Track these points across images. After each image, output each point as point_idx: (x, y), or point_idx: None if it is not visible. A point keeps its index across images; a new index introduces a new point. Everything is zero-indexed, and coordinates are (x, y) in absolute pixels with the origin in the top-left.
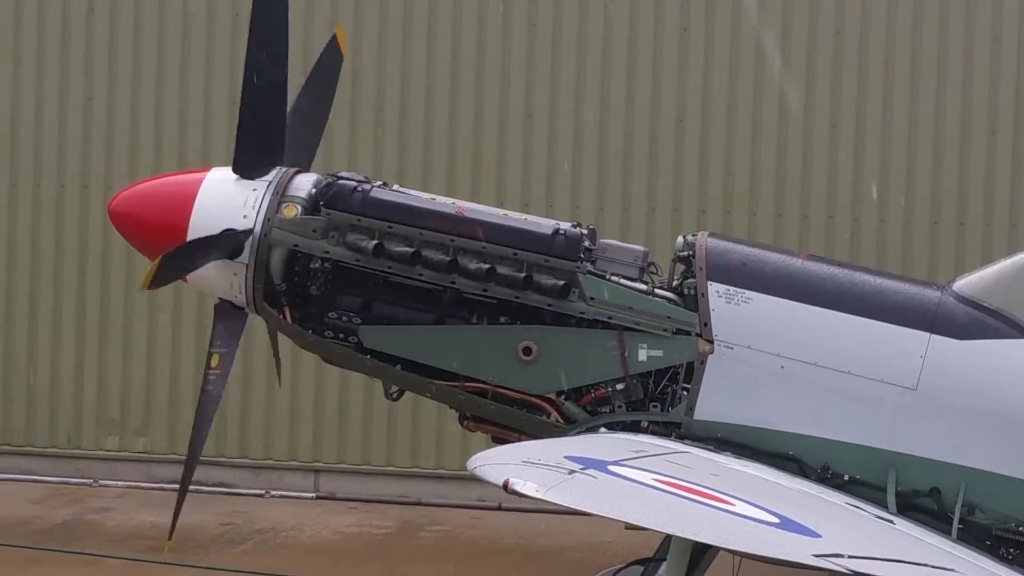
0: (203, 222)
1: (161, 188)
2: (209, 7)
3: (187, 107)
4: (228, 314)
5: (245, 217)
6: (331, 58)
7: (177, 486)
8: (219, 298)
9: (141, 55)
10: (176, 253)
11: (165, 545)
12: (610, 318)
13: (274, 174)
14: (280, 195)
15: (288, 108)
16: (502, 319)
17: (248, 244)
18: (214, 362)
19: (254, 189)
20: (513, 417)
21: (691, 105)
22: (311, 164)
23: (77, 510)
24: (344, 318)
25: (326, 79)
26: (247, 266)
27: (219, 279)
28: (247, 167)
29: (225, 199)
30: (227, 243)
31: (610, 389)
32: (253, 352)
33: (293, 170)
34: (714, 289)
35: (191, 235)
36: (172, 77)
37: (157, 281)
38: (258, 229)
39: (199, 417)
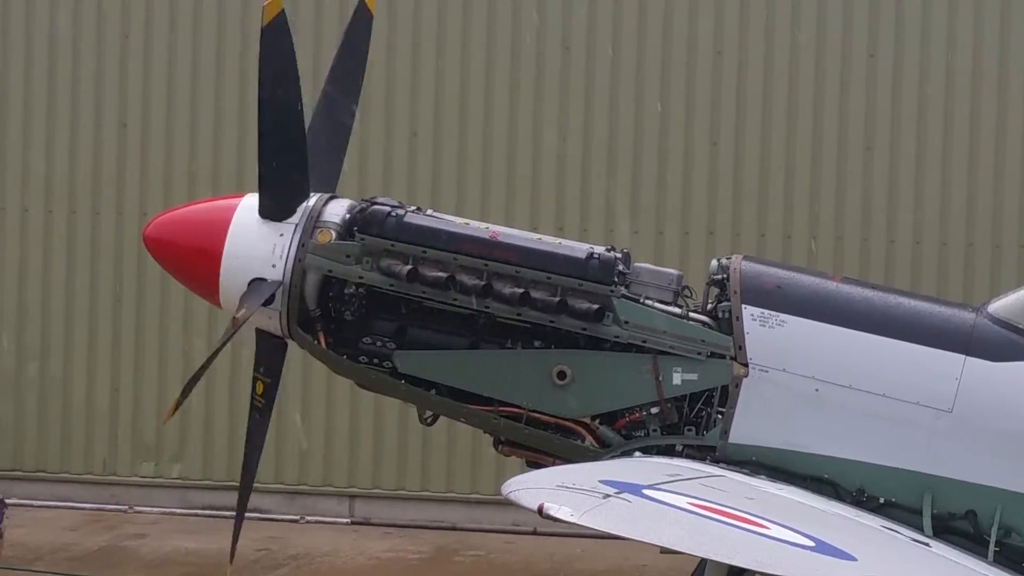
0: (236, 249)
1: (195, 215)
2: (244, 32)
3: (221, 133)
4: (268, 344)
5: (274, 267)
6: (361, 22)
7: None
8: (257, 329)
9: (175, 81)
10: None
11: (227, 569)
12: (644, 342)
13: (300, 214)
14: (312, 225)
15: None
16: (536, 343)
17: (279, 293)
18: (259, 389)
19: (281, 235)
20: (547, 441)
21: (724, 128)
22: (345, 150)
23: (113, 536)
24: (378, 343)
25: (357, 47)
26: (280, 313)
27: (257, 321)
28: (273, 210)
29: (254, 246)
30: (257, 297)
31: (645, 413)
32: (286, 377)
33: (327, 196)
34: (749, 312)
35: (225, 262)
36: (207, 103)
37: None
38: (287, 280)
39: (248, 451)
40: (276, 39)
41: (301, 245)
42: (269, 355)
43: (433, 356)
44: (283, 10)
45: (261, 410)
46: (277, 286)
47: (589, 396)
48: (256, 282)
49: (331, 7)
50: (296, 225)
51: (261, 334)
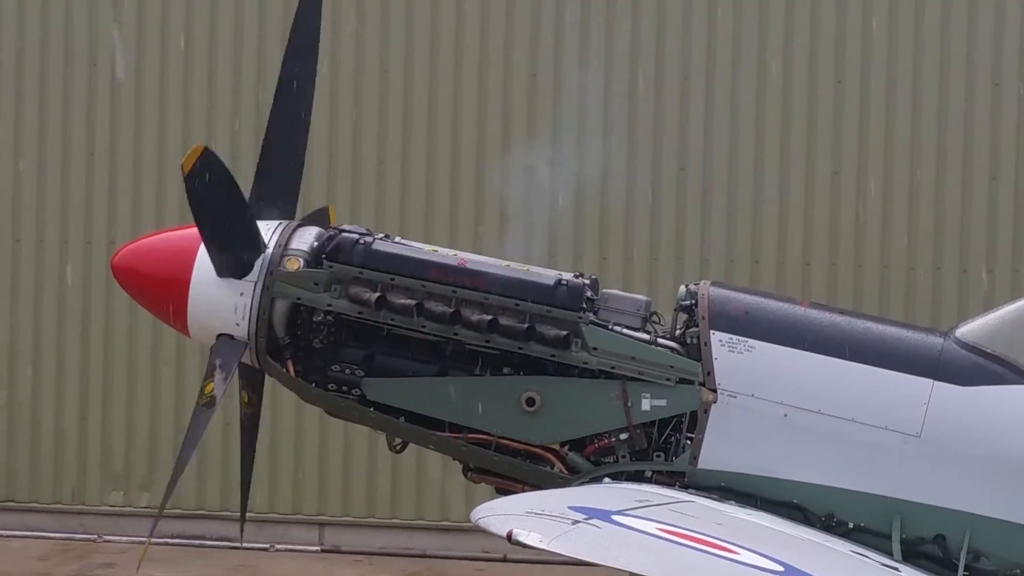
0: (204, 278)
1: (163, 243)
2: (211, 62)
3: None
4: (225, 346)
5: (238, 325)
6: (309, 17)
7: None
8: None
9: (143, 108)
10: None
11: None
12: (613, 368)
13: (257, 270)
14: (283, 247)
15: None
16: (505, 370)
17: (258, 264)
18: (208, 388)
19: (241, 293)
20: (517, 468)
21: (692, 153)
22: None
23: (82, 566)
24: (347, 371)
25: (307, 45)
26: (255, 285)
27: (224, 301)
28: (230, 270)
29: (216, 304)
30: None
31: (614, 439)
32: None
33: (296, 223)
34: (717, 338)
35: (193, 290)
36: (174, 131)
37: (194, 173)
38: (252, 333)
39: (193, 426)
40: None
41: (269, 272)
42: (225, 355)
43: (402, 384)
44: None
45: (208, 403)
46: (244, 347)
47: (558, 422)
48: (223, 339)
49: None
50: (255, 284)
51: (221, 337)
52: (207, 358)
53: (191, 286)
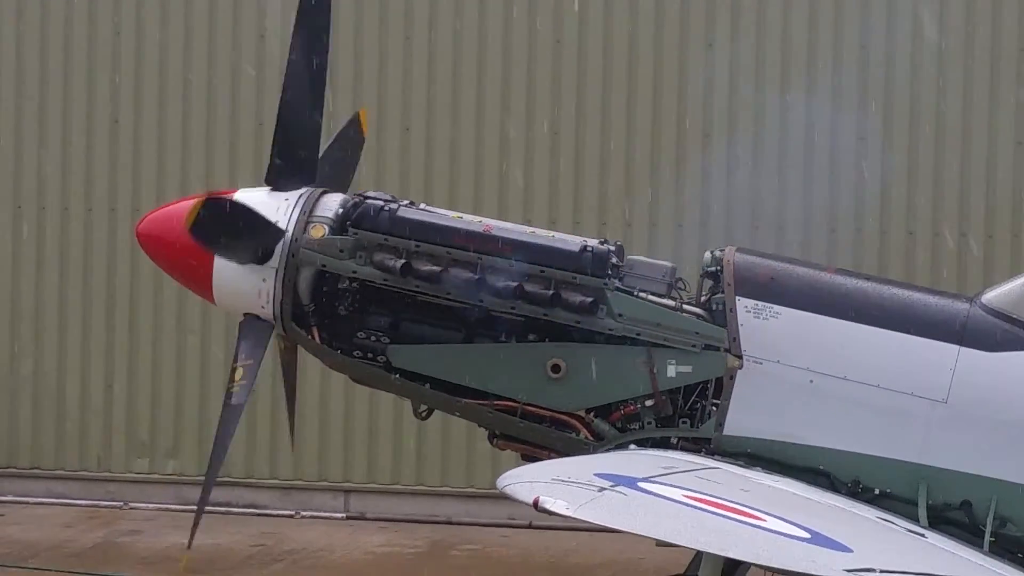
0: None
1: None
2: (235, 29)
3: (214, 129)
4: (253, 327)
5: (263, 308)
6: (353, 136)
7: (207, 508)
8: (244, 314)
9: (167, 78)
10: (222, 206)
11: (184, 557)
12: (638, 334)
13: (304, 191)
14: (308, 215)
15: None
16: (530, 337)
17: (279, 249)
18: (238, 375)
19: (286, 199)
20: (542, 435)
21: (717, 120)
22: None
23: (108, 533)
24: (372, 338)
25: (347, 156)
26: (276, 271)
27: (246, 285)
28: (281, 178)
29: (240, 280)
30: (263, 238)
31: (639, 406)
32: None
33: (320, 190)
34: (742, 304)
35: (218, 257)
36: (199, 99)
37: (199, 223)
38: (290, 234)
39: (223, 425)
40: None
41: (294, 240)
42: (254, 338)
43: (427, 350)
44: None
45: (238, 394)
46: (271, 329)
47: (584, 389)
48: (250, 319)
49: None
50: (301, 194)
51: (245, 324)
52: (232, 326)
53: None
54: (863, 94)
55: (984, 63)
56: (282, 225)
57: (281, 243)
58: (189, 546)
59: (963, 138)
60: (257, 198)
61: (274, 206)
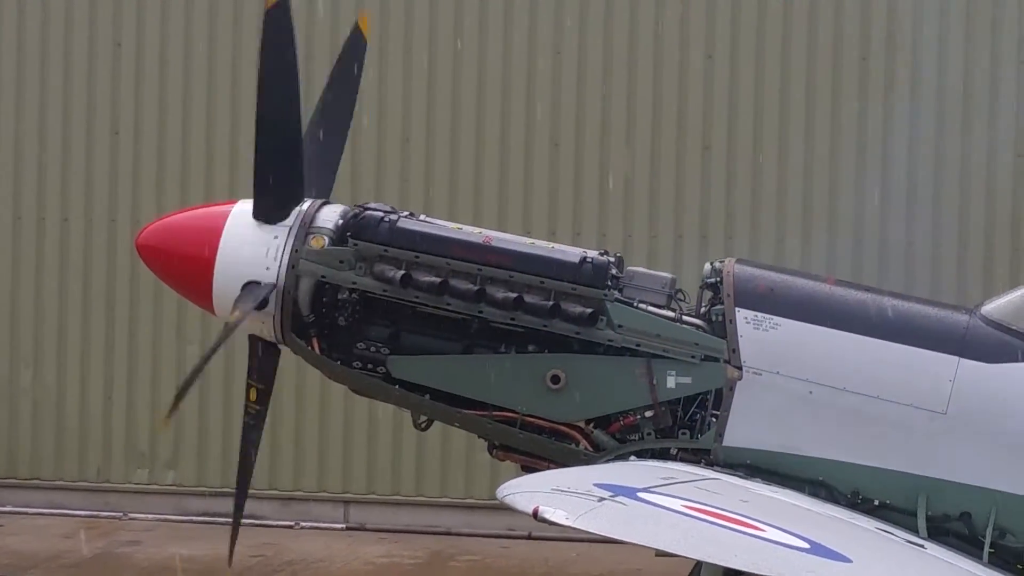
0: (230, 255)
1: (188, 221)
2: (235, 40)
3: (213, 140)
4: (264, 347)
5: (268, 269)
6: (355, 47)
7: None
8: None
9: (167, 89)
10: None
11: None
12: (638, 345)
13: (294, 217)
14: (306, 229)
15: (311, 117)
16: (530, 347)
17: (272, 297)
18: (252, 396)
19: (275, 237)
20: (542, 446)
21: (717, 131)
22: (337, 167)
23: (107, 543)
24: (372, 348)
25: (350, 71)
26: (274, 317)
27: (250, 326)
28: (267, 212)
29: (247, 250)
30: (250, 300)
31: (639, 417)
32: (281, 382)
33: (319, 202)
34: (742, 315)
35: (218, 268)
36: (199, 110)
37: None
38: (281, 283)
39: (243, 460)
40: (279, 23)
41: (295, 251)
42: (262, 361)
43: (427, 361)
44: None
45: (255, 416)
46: (271, 288)
47: (583, 400)
48: (250, 285)
49: (323, 27)
50: (290, 228)
51: (254, 340)
52: (232, 337)
53: (216, 265)
54: (863, 104)
55: (984, 72)
56: (272, 270)
57: (274, 292)
58: (230, 564)
59: (962, 148)
60: (246, 237)
61: (263, 248)
